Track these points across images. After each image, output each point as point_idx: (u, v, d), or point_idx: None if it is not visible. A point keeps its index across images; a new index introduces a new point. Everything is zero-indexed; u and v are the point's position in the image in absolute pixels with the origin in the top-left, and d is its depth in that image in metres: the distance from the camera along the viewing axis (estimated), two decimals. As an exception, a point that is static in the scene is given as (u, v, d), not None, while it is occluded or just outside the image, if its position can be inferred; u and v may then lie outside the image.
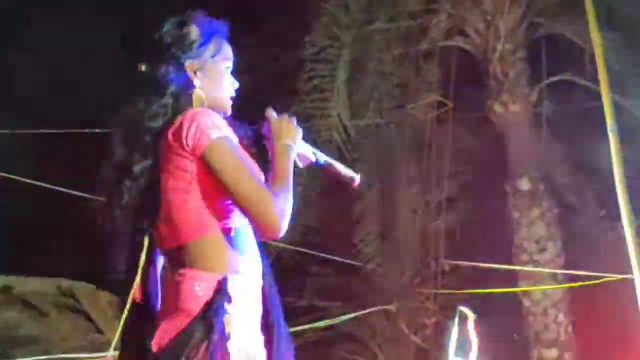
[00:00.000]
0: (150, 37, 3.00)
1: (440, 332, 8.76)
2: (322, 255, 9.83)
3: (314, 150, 3.13)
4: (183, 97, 2.94)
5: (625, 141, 6.07)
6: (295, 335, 8.36)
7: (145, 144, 2.92)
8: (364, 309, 9.89)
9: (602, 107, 6.02)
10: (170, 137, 2.84)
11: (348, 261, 9.90)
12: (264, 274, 3.00)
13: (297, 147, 3.03)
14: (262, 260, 3.02)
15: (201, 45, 3.00)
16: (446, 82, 9.42)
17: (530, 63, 9.27)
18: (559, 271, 9.01)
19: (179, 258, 2.90)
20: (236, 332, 2.85)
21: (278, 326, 2.99)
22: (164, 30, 2.96)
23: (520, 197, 9.15)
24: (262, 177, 2.94)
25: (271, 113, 3.04)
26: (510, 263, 9.21)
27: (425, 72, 9.54)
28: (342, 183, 3.22)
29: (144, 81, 2.97)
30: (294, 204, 2.94)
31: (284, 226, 2.85)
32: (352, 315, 9.81)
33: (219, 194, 2.88)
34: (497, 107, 9.19)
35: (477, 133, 9.82)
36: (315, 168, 3.15)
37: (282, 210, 2.86)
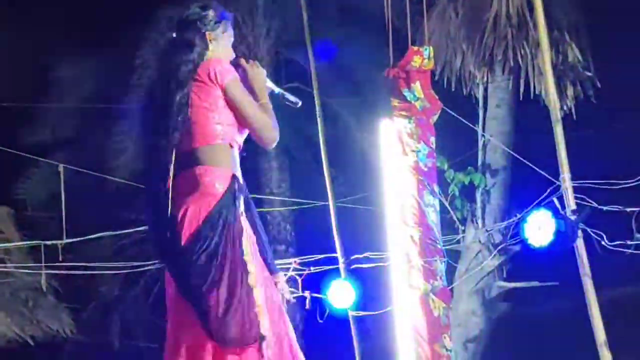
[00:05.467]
0: (183, 16, 3.36)
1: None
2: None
3: (272, 85, 3.45)
4: (202, 56, 3.30)
5: (325, 120, 7.62)
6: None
7: (180, 81, 3.20)
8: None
9: (314, 102, 7.39)
10: (200, 75, 3.23)
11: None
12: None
13: (264, 84, 3.37)
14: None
15: (216, 23, 3.36)
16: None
17: (274, 76, 9.45)
18: (287, 199, 10.74)
19: (194, 158, 3.18)
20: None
21: (256, 220, 3.39)
22: (192, 12, 3.34)
23: (267, 157, 10.86)
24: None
25: (242, 61, 3.37)
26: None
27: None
28: (290, 104, 3.57)
29: (179, 44, 3.30)
30: None
31: (277, 137, 3.30)
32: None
33: (230, 116, 3.23)
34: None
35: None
36: (275, 96, 3.46)
37: (275, 128, 3.27)
